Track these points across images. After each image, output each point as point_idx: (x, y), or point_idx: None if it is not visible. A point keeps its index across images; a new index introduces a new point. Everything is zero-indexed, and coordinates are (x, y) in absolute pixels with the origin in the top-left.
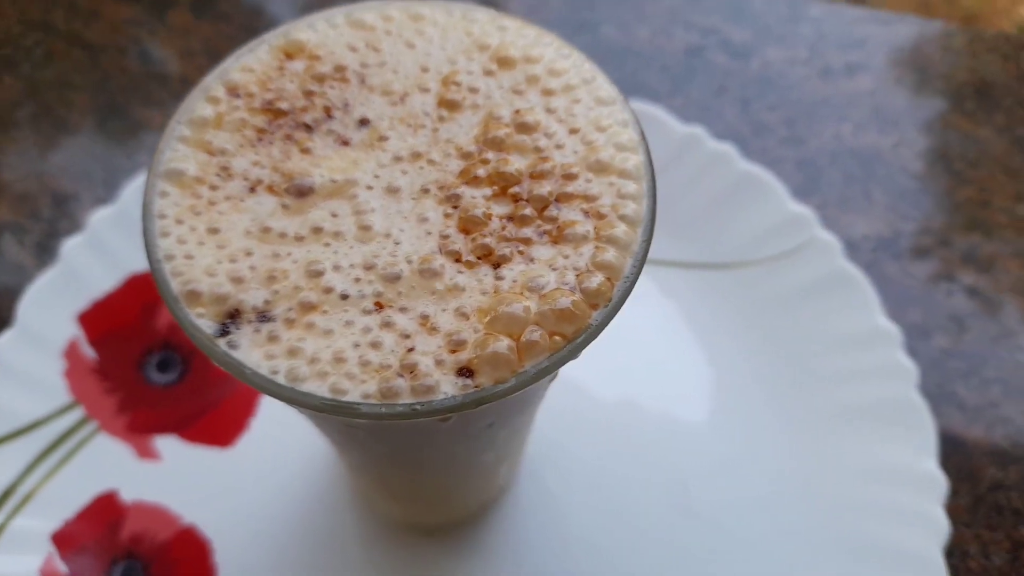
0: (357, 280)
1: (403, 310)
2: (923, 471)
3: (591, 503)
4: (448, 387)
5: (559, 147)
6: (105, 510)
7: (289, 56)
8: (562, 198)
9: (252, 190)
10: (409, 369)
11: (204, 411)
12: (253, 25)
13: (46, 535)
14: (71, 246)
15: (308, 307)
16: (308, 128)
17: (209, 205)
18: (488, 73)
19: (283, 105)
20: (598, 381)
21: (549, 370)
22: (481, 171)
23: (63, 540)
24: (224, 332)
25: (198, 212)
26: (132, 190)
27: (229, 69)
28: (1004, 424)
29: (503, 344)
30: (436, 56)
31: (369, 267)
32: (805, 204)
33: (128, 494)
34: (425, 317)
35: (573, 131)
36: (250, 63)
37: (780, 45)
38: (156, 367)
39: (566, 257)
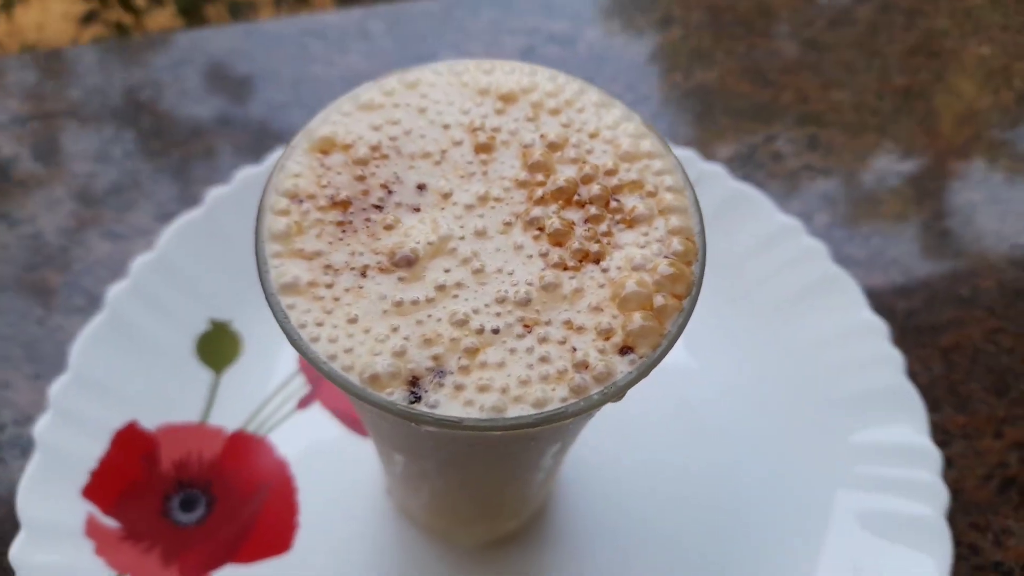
0: (498, 315)
1: (548, 323)
2: (918, 446)
3: (619, 521)
4: (622, 366)
5: (589, 152)
6: None
7: (325, 152)
8: (615, 190)
9: (363, 275)
10: (583, 366)
11: (247, 530)
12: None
13: None
14: (42, 428)
15: (472, 351)
16: (378, 208)
17: (334, 301)
18: (499, 112)
19: (345, 195)
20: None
21: (685, 323)
22: (540, 192)
23: None
24: (416, 399)
25: (329, 311)
26: (78, 353)
27: (280, 181)
28: (895, 266)
29: (641, 316)
30: (449, 111)
31: (501, 300)
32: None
33: None
34: (568, 322)
35: (592, 135)
36: (294, 169)
37: (593, 26)
38: (180, 509)
39: (645, 235)
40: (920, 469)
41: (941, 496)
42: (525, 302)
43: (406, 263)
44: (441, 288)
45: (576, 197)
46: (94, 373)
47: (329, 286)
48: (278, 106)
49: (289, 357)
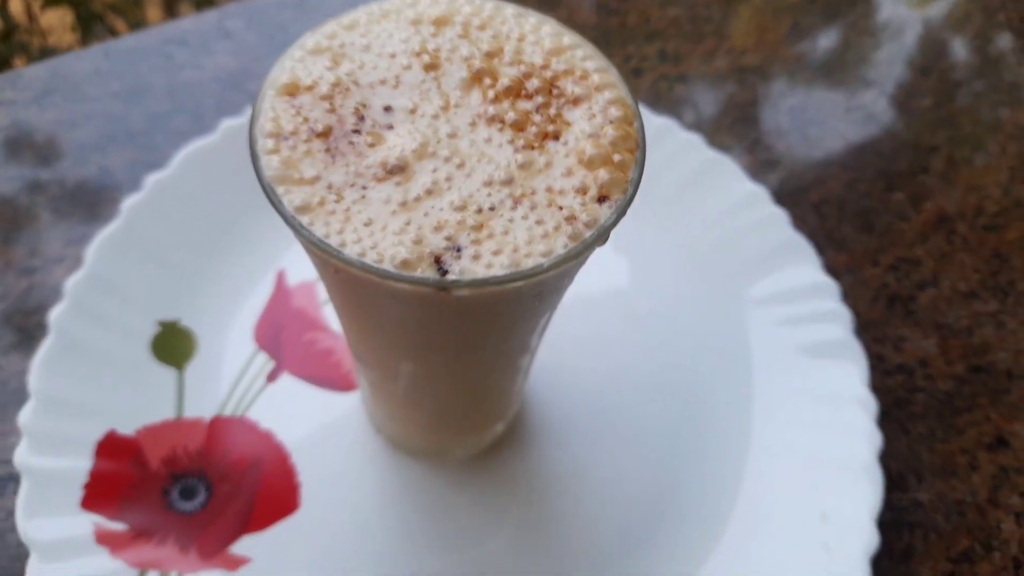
0: (489, 195)
1: (533, 193)
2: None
3: (582, 413)
4: (604, 212)
5: (521, 53)
6: None
7: (292, 95)
8: (553, 80)
9: (364, 188)
10: (572, 218)
11: (253, 501)
12: None
13: None
14: (21, 456)
15: (478, 227)
16: (356, 132)
17: (346, 212)
18: (434, 35)
19: (323, 126)
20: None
21: (641, 170)
22: (491, 93)
23: None
24: (444, 272)
25: (345, 220)
26: (37, 378)
27: (262, 125)
28: (758, 147)
29: (607, 171)
30: (390, 43)
31: (489, 183)
32: None
33: None
34: (549, 188)
35: (520, 40)
36: (270, 114)
37: None
38: (181, 499)
39: (589, 109)
40: (825, 299)
41: (846, 317)
42: (509, 181)
43: (399, 170)
44: (435, 184)
45: (523, 91)
46: (59, 394)
47: (337, 201)
48: (161, 115)
49: (246, 339)
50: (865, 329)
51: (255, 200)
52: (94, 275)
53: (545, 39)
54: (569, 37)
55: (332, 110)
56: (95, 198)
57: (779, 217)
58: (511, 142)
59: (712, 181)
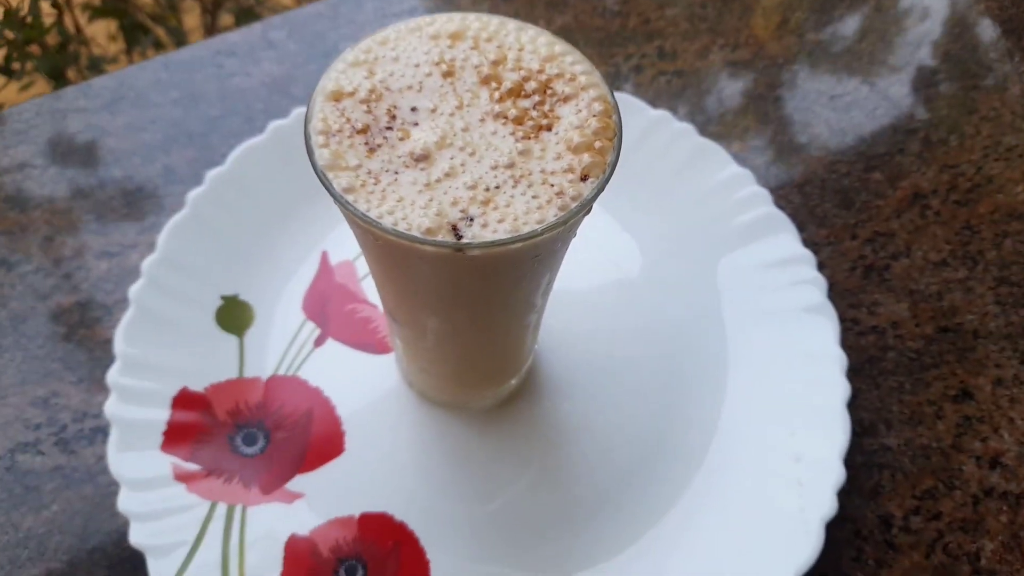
0: (495, 176)
1: (530, 174)
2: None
3: (586, 370)
4: (587, 187)
5: (521, 61)
6: (300, 547)
7: (337, 100)
8: (548, 82)
9: (396, 173)
10: (561, 193)
11: (305, 446)
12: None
13: None
14: (111, 407)
15: (485, 202)
16: (389, 128)
17: (382, 192)
18: (451, 47)
19: (362, 124)
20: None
21: (617, 155)
22: (497, 95)
23: None
24: (460, 237)
25: (382, 198)
26: (120, 342)
27: (314, 125)
28: (747, 134)
29: (589, 156)
30: (415, 55)
31: (495, 167)
32: None
33: (303, 528)
34: (543, 171)
35: (520, 50)
36: (320, 115)
37: None
38: (244, 444)
39: (576, 106)
40: (802, 266)
41: (821, 283)
42: (511, 165)
43: (423, 158)
44: (452, 168)
45: (523, 92)
46: (139, 356)
47: (376, 183)
48: (215, 118)
49: (295, 310)
50: (841, 296)
51: (302, 190)
52: (166, 257)
53: (541, 48)
54: (560, 46)
55: (369, 111)
56: (163, 192)
57: (762, 195)
58: (512, 134)
59: (701, 164)
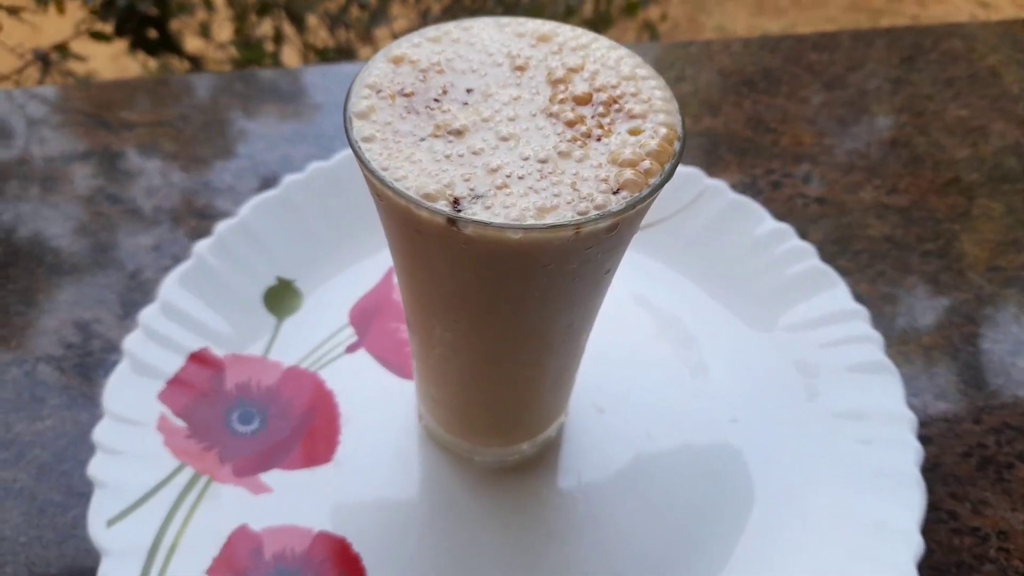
0: (523, 167)
1: (562, 173)
2: (850, 308)
3: (627, 415)
4: (615, 200)
5: (596, 74)
6: (244, 541)
7: (397, 63)
8: (619, 96)
9: (422, 140)
10: (589, 198)
11: (294, 443)
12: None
13: (202, 573)
14: (130, 342)
15: (502, 187)
16: (437, 101)
17: (399, 150)
18: (533, 47)
19: (410, 89)
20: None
21: (665, 179)
22: (562, 96)
23: (218, 573)
24: (459, 209)
25: (395, 153)
26: (166, 288)
27: (363, 78)
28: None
29: (630, 173)
30: (493, 45)
31: (526, 159)
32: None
33: (257, 524)
34: (577, 175)
35: (602, 63)
36: (375, 72)
37: None
38: (239, 421)
39: (642, 124)
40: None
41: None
42: (544, 160)
43: (456, 133)
44: (481, 149)
45: (589, 101)
46: (178, 304)
47: (397, 142)
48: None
49: (342, 313)
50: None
51: None
52: (242, 224)
53: (624, 67)
54: (645, 70)
55: (424, 80)
56: (273, 175)
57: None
58: (559, 134)
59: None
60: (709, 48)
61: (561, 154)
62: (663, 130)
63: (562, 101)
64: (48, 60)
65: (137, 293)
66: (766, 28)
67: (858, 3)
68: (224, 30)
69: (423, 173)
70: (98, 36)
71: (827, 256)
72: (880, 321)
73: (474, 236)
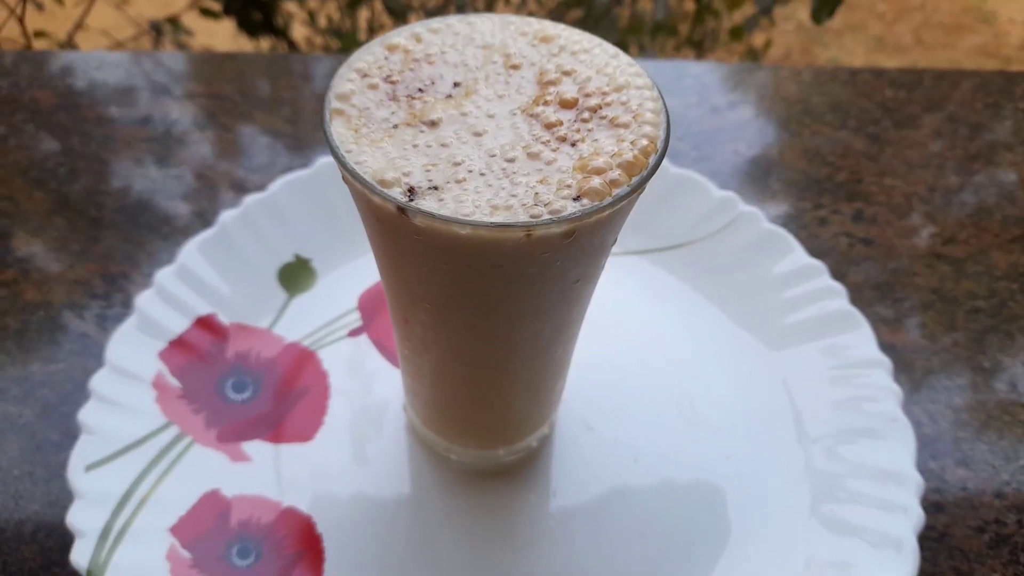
0: (487, 163)
1: (526, 174)
2: (871, 356)
3: (618, 437)
4: (571, 207)
5: (589, 79)
6: (212, 504)
7: (391, 51)
8: (606, 104)
9: (395, 127)
10: (544, 202)
11: (281, 418)
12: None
13: (165, 529)
14: (142, 299)
15: (461, 181)
16: (421, 91)
17: (368, 135)
18: (532, 47)
19: (396, 77)
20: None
21: (631, 192)
22: (548, 97)
23: (181, 531)
24: (411, 199)
25: (361, 137)
26: (185, 252)
27: (352, 62)
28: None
29: (597, 181)
30: (491, 41)
31: (492, 155)
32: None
33: (229, 491)
34: (541, 179)
35: (599, 71)
36: (366, 58)
37: (674, 96)
38: (232, 388)
39: (620, 134)
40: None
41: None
42: (511, 160)
43: (430, 124)
44: (449, 141)
45: (575, 106)
46: (194, 269)
47: (367, 127)
48: None
49: (352, 298)
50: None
51: None
52: (268, 199)
53: (620, 76)
54: (644, 80)
55: (412, 69)
56: (314, 157)
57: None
58: (534, 135)
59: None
60: (776, 74)
61: (531, 155)
62: (644, 142)
63: (547, 103)
64: (160, 31)
65: (166, 254)
66: (883, 66)
67: (988, 48)
68: (321, 19)
69: (385, 159)
70: (207, 13)
71: (863, 301)
72: (909, 375)
73: (423, 227)
